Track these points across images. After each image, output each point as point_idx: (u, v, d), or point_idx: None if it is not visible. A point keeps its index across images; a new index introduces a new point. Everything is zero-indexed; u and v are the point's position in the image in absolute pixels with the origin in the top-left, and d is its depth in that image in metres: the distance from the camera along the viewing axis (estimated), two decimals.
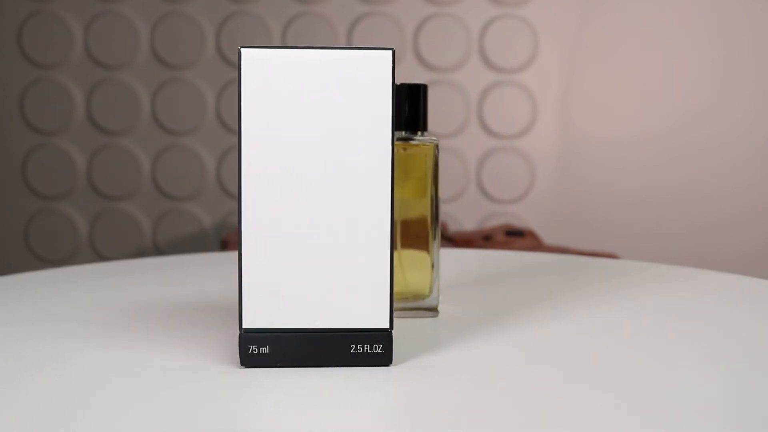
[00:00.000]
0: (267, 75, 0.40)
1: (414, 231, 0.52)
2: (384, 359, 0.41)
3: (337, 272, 0.40)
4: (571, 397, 0.37)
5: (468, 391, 0.38)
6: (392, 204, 0.41)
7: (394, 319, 0.52)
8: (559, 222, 1.82)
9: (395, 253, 0.52)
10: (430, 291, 0.52)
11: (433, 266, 0.52)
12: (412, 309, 0.52)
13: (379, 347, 0.41)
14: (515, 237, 1.57)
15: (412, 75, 1.79)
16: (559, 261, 0.77)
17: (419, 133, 0.53)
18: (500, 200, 1.82)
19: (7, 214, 1.90)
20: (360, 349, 0.41)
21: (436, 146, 0.52)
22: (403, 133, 0.52)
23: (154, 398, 0.37)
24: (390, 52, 0.40)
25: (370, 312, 0.41)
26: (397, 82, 0.53)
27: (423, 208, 0.52)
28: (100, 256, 1.88)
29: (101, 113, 1.85)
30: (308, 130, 0.40)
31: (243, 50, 0.40)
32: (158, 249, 1.88)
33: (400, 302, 0.52)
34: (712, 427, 0.33)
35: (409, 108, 0.52)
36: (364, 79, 0.40)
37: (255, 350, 0.40)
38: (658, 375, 0.40)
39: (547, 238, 1.78)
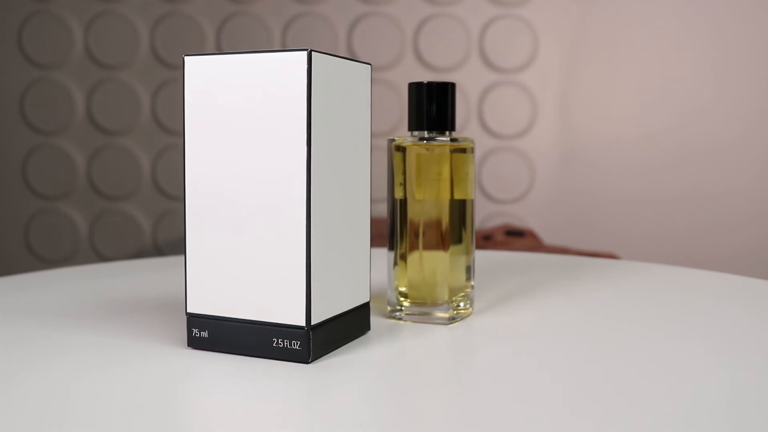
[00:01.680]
0: (206, 81, 0.43)
1: (432, 233, 0.50)
2: (302, 356, 0.41)
3: (261, 268, 0.42)
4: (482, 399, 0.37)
5: (372, 394, 0.38)
6: (309, 204, 0.40)
7: (409, 322, 0.51)
8: (559, 222, 1.82)
9: (416, 254, 0.50)
10: (449, 297, 0.50)
11: (464, 270, 0.50)
12: (424, 314, 0.51)
13: (297, 344, 0.41)
14: (515, 237, 1.57)
15: (411, 75, 1.79)
16: (558, 261, 0.77)
17: (447, 133, 0.51)
18: (500, 200, 1.82)
19: (7, 214, 1.90)
20: (280, 344, 0.42)
21: (457, 148, 0.50)
22: (426, 133, 0.51)
23: (109, 369, 0.40)
24: (305, 53, 0.40)
25: (288, 309, 0.41)
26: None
27: (439, 210, 0.50)
28: (100, 256, 1.88)
29: (101, 113, 1.85)
30: (237, 135, 0.42)
31: (186, 58, 0.43)
32: (158, 249, 1.88)
33: (417, 307, 0.51)
34: (710, 426, 0.33)
35: (436, 107, 0.50)
36: (282, 81, 0.41)
37: (197, 333, 0.44)
38: (657, 377, 0.40)
39: (547, 238, 1.78)
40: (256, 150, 0.41)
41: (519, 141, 1.81)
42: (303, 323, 0.41)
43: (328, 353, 0.43)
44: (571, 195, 1.82)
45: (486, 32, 1.80)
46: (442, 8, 1.80)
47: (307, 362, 0.41)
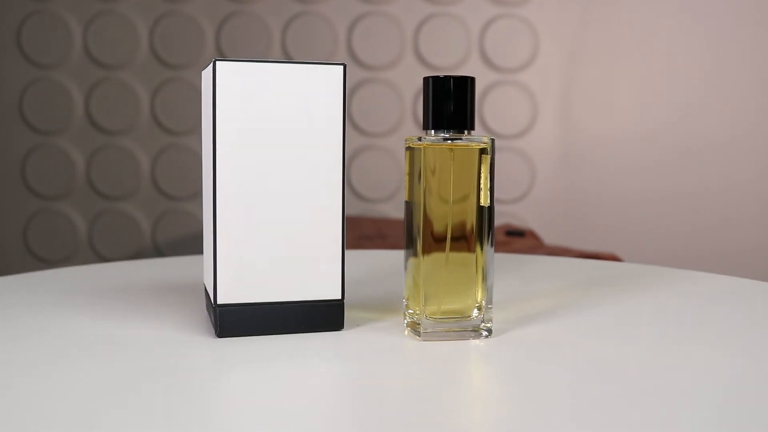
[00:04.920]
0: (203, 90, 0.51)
1: (429, 241, 0.47)
2: (214, 328, 0.48)
3: (207, 251, 0.50)
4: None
5: (248, 374, 0.41)
6: (214, 201, 0.46)
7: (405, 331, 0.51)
8: (560, 222, 1.82)
9: (416, 261, 0.48)
10: (427, 311, 0.47)
11: (460, 287, 0.47)
12: (412, 325, 0.48)
13: (213, 318, 0.48)
14: (515, 237, 1.57)
15: (411, 75, 1.79)
16: (557, 263, 0.77)
17: (467, 132, 0.47)
18: (500, 200, 1.82)
19: (6, 214, 1.90)
20: (211, 315, 0.49)
21: (449, 149, 0.46)
22: (432, 132, 0.47)
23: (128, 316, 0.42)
24: (210, 65, 0.45)
25: (211, 287, 0.48)
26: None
27: (418, 214, 0.47)
28: (100, 256, 1.88)
29: (101, 113, 1.85)
30: (204, 138, 0.50)
31: (204, 71, 0.52)
32: (158, 249, 1.88)
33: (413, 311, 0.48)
34: (709, 425, 0.33)
35: (457, 105, 0.47)
36: (207, 91, 0.47)
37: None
38: (656, 378, 0.40)
39: (547, 238, 1.78)
40: (204, 153, 0.50)
41: (519, 141, 1.81)
42: (213, 301, 0.47)
43: (250, 335, 0.47)
44: (571, 195, 1.81)
45: (486, 32, 1.80)
46: (442, 8, 1.80)
47: (216, 335, 0.47)
